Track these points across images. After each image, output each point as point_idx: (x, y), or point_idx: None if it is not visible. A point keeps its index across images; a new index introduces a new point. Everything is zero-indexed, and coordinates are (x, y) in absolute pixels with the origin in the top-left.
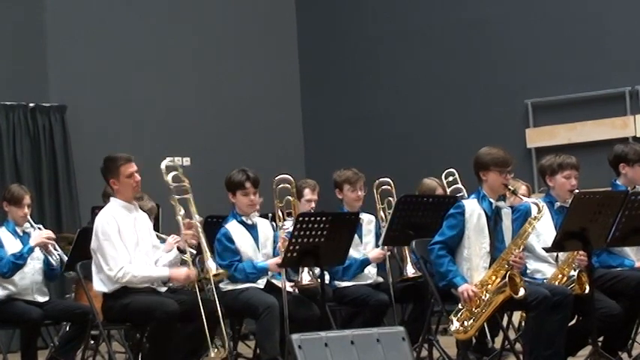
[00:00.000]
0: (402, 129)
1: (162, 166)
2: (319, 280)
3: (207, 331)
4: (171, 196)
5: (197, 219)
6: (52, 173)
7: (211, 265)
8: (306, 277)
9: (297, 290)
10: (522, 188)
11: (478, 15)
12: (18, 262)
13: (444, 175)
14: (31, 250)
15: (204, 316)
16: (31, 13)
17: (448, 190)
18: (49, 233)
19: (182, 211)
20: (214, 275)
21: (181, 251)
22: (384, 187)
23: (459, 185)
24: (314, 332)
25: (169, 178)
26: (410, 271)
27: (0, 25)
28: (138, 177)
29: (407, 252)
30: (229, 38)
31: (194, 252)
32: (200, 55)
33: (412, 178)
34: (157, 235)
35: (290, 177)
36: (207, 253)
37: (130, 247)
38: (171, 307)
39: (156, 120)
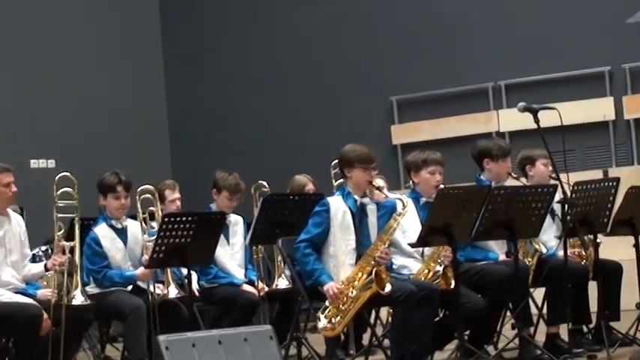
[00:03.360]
0: (270, 127)
1: (57, 177)
2: (188, 282)
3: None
4: (55, 211)
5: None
6: None
7: (78, 298)
8: (282, 282)
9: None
10: (379, 181)
11: (344, 12)
12: None
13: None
14: None
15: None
16: None
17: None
18: None
19: (61, 231)
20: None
21: (47, 269)
22: (263, 189)
23: None
24: (181, 333)
25: (59, 192)
26: (282, 283)
27: None
28: (14, 188)
29: (278, 261)
30: (91, 36)
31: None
32: (63, 55)
33: (282, 176)
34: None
35: (151, 187)
36: (77, 282)
37: None
38: (34, 310)
39: (20, 121)
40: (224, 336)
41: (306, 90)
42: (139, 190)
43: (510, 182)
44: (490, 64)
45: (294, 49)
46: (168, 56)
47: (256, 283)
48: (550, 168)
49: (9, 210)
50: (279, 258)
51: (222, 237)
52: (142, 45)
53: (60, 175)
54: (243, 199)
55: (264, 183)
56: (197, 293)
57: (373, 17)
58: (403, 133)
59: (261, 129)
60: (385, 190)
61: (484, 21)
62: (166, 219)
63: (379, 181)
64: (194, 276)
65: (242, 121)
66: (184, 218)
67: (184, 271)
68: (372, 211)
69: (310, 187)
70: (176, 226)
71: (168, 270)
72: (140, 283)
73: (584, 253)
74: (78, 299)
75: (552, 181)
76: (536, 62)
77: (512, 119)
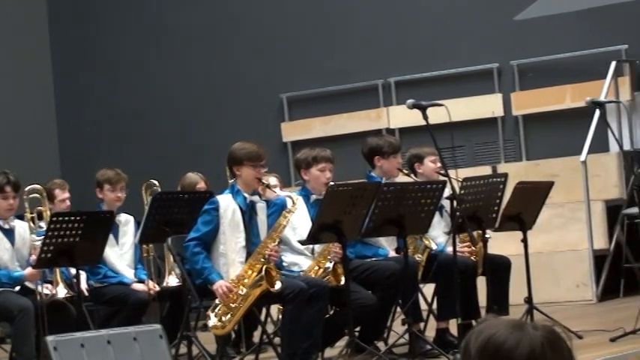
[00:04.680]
0: (160, 126)
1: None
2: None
3: None
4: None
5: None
6: None
7: None
8: (173, 279)
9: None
10: (272, 179)
11: (234, 11)
12: None
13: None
14: None
15: None
16: None
17: None
18: None
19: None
20: None
21: None
22: (153, 187)
23: None
24: (70, 333)
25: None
26: (173, 281)
27: None
28: None
29: (169, 259)
30: None
31: None
32: None
33: (175, 175)
34: None
35: (39, 186)
36: None
37: None
38: None
39: None
40: (113, 336)
41: (197, 89)
42: (27, 189)
43: (401, 178)
44: (380, 62)
45: (185, 48)
46: (56, 55)
47: (146, 282)
48: (438, 165)
49: None
50: (170, 256)
51: (111, 237)
52: (29, 43)
53: None
54: (131, 195)
55: (155, 181)
56: (86, 293)
57: (263, 15)
58: (294, 131)
59: (152, 128)
60: (275, 188)
61: (374, 18)
62: (54, 218)
63: (272, 179)
64: (83, 276)
65: (133, 121)
66: (73, 217)
67: (73, 270)
68: (261, 208)
69: (202, 185)
70: (64, 225)
71: (57, 270)
72: (28, 284)
73: (473, 248)
74: None
75: (441, 178)
76: (426, 59)
77: (403, 116)
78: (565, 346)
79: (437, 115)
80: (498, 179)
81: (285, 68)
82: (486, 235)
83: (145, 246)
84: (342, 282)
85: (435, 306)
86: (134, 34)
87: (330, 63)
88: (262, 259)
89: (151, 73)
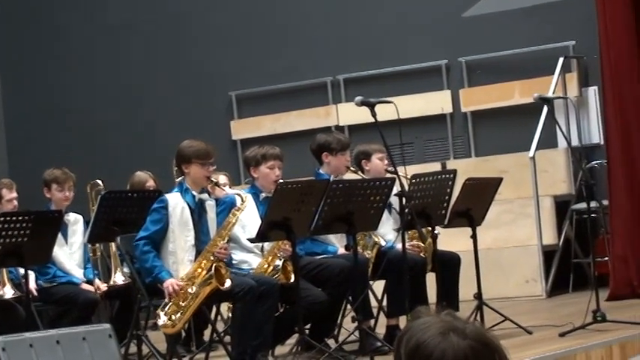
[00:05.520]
0: (109, 125)
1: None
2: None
3: None
4: None
5: None
6: None
7: None
8: (119, 277)
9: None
10: (222, 178)
11: (180, 8)
12: None
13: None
14: None
15: None
16: None
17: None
18: None
19: None
20: None
21: None
22: (98, 187)
23: None
24: (18, 334)
25: None
26: (119, 279)
27: None
28: None
29: (114, 258)
30: None
31: None
32: None
33: (124, 174)
34: None
35: None
36: None
37: None
38: None
39: None
40: (62, 336)
41: (146, 87)
42: None
43: (349, 176)
44: (329, 59)
45: (132, 46)
46: (2, 53)
47: (95, 281)
48: (386, 162)
49: None
50: (117, 255)
51: (60, 236)
52: None
53: None
54: (77, 195)
55: (99, 181)
56: (35, 293)
57: (212, 13)
58: (243, 129)
59: (100, 127)
60: (225, 186)
61: (322, 16)
62: (2, 218)
63: (222, 178)
64: (32, 276)
65: (81, 120)
66: (21, 217)
67: (22, 270)
68: (210, 206)
69: (151, 183)
70: (12, 225)
71: (4, 270)
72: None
73: (422, 245)
74: None
75: (389, 175)
76: (375, 56)
77: (352, 113)
78: (493, 356)
79: (386, 112)
80: (447, 176)
81: (235, 66)
82: (435, 232)
83: (91, 246)
84: (292, 279)
85: (384, 302)
86: (81, 33)
87: (279, 61)
88: (212, 257)
89: (98, 72)
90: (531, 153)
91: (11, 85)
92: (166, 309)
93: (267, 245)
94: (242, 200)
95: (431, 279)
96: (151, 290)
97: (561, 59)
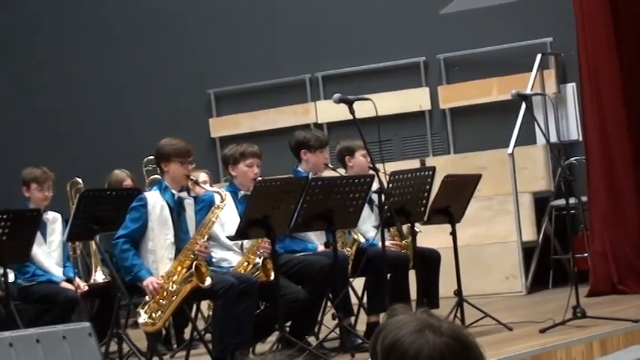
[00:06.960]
0: (86, 123)
1: None
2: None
3: None
4: None
5: None
6: None
7: None
8: (99, 275)
9: None
10: (203, 175)
11: (159, 5)
12: None
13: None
14: None
15: None
16: None
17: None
18: None
19: None
20: None
21: None
22: (78, 186)
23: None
24: None
25: None
26: (100, 277)
27: None
28: None
29: (95, 256)
30: None
31: None
32: None
33: (102, 172)
34: None
35: None
36: None
37: None
38: None
39: None
40: (42, 334)
41: (124, 85)
42: None
43: (328, 173)
44: (307, 56)
45: (110, 44)
46: None
47: (75, 280)
48: (369, 159)
49: None
50: (97, 253)
51: (39, 235)
52: None
53: None
54: (56, 193)
55: (79, 179)
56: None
57: (189, 10)
58: (222, 126)
59: (78, 125)
60: (204, 184)
61: (299, 13)
62: None
63: (202, 175)
64: (11, 275)
65: (58, 118)
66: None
67: (0, 270)
68: (189, 205)
69: (128, 182)
70: None
71: None
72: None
73: (402, 242)
74: None
75: (370, 172)
76: (353, 53)
77: (330, 110)
78: (469, 354)
79: (364, 109)
80: (426, 172)
81: (213, 64)
82: (415, 229)
83: (71, 244)
84: (272, 277)
85: (365, 300)
86: (56, 30)
87: (257, 58)
88: (191, 256)
89: (75, 70)
90: (510, 149)
91: None
92: (147, 307)
93: (246, 243)
94: (222, 198)
95: (411, 276)
96: (131, 289)
97: (539, 56)
